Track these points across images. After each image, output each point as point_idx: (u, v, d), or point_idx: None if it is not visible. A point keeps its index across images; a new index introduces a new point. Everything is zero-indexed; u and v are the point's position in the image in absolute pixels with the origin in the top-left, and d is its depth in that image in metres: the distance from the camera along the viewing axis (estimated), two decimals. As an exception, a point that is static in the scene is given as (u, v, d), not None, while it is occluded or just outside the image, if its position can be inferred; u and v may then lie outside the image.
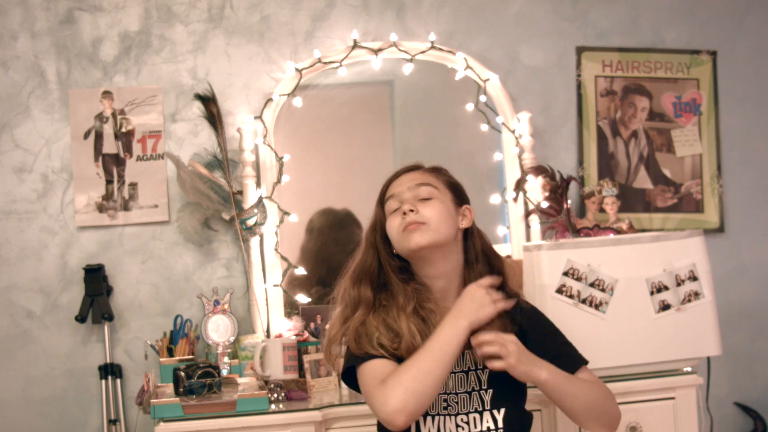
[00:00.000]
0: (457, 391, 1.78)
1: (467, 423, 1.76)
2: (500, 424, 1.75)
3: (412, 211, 1.78)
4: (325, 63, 2.85)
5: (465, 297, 1.75)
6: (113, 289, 2.79)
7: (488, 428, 1.75)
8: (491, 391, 1.77)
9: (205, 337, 2.65)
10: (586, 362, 1.87)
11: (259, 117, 2.81)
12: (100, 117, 2.82)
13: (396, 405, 1.62)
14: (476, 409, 1.76)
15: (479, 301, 1.73)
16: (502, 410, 1.76)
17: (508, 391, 1.77)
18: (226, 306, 2.69)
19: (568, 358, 1.83)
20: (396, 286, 1.81)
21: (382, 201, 1.88)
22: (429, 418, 1.76)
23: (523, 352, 1.72)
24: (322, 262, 2.82)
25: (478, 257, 1.86)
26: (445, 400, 1.77)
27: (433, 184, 1.84)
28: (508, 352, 1.69)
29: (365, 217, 2.80)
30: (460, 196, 1.88)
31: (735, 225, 3.19)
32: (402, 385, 1.64)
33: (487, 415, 1.76)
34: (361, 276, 1.83)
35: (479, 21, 3.04)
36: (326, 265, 2.81)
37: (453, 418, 1.76)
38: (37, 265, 2.77)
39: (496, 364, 1.70)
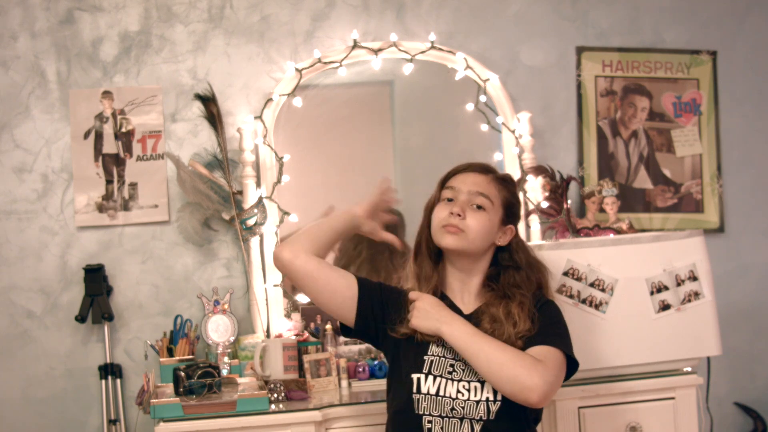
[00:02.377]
0: (466, 362, 1.80)
1: (468, 390, 1.79)
2: (500, 397, 1.77)
3: (459, 215, 1.85)
4: (325, 63, 2.85)
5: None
6: (113, 289, 2.79)
7: (487, 398, 1.77)
8: None
9: (205, 337, 2.65)
10: (554, 346, 1.78)
11: (259, 117, 2.81)
12: (100, 117, 2.82)
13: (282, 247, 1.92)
14: (479, 379, 1.79)
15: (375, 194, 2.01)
16: None
17: None
18: (226, 306, 2.69)
19: (535, 336, 1.80)
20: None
21: (443, 183, 1.94)
22: (431, 378, 1.80)
23: (430, 311, 1.82)
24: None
25: (520, 267, 1.92)
26: (452, 365, 1.81)
27: (491, 197, 1.89)
28: (413, 311, 1.84)
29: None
30: (510, 216, 1.94)
31: (735, 225, 3.19)
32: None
33: (488, 386, 1.78)
34: (421, 249, 1.96)
35: (479, 21, 3.04)
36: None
37: (455, 383, 1.80)
38: (37, 265, 2.77)
39: (411, 322, 1.85)
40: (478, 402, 1.77)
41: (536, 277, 1.94)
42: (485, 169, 1.94)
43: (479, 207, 1.87)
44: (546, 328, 1.83)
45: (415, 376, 1.81)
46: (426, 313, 1.83)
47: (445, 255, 1.93)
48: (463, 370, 1.80)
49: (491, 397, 1.77)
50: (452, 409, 1.78)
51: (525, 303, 1.86)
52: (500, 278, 1.92)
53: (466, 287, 1.92)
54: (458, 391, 1.79)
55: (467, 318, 1.87)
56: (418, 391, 1.80)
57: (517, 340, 1.79)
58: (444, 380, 1.80)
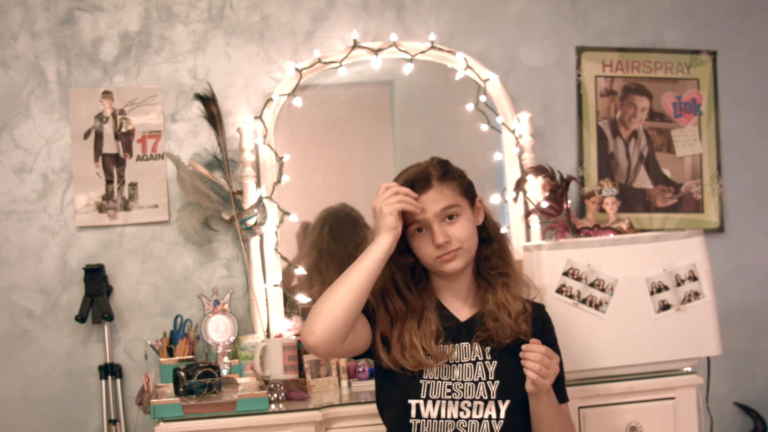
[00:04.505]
0: (464, 380, 1.79)
1: (470, 408, 1.77)
2: (502, 415, 1.77)
3: (447, 242, 1.79)
4: (325, 63, 2.85)
5: (375, 217, 1.76)
6: (113, 289, 2.79)
7: (489, 416, 1.77)
8: (498, 382, 1.79)
9: (205, 337, 2.65)
10: (567, 399, 1.91)
11: (259, 117, 2.81)
12: (100, 117, 2.82)
13: (308, 329, 1.72)
14: (481, 397, 1.78)
15: (381, 209, 1.75)
16: (507, 402, 1.78)
17: (514, 383, 1.79)
18: (226, 306, 2.69)
19: (561, 387, 1.88)
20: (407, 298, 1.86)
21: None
22: (430, 403, 1.78)
23: (552, 378, 1.75)
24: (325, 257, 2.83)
25: (494, 238, 1.91)
26: (450, 387, 1.79)
27: (453, 201, 1.82)
28: (548, 373, 1.73)
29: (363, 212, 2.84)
30: (471, 195, 1.88)
31: (735, 225, 3.19)
32: (315, 310, 1.73)
33: (491, 404, 1.77)
34: (387, 292, 1.85)
35: (479, 21, 3.04)
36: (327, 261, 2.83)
37: (456, 403, 1.78)
38: (37, 265, 2.77)
39: (529, 384, 1.75)
40: (480, 420, 1.77)
41: (504, 246, 1.91)
42: (426, 179, 1.82)
43: (452, 217, 1.81)
44: (562, 376, 1.86)
45: (413, 402, 1.78)
46: (546, 383, 1.75)
47: (436, 275, 1.88)
48: (462, 390, 1.79)
49: (494, 415, 1.77)
50: (455, 431, 1.77)
51: (508, 282, 1.86)
52: (480, 262, 1.89)
53: (457, 290, 1.89)
54: (460, 410, 1.77)
55: (467, 325, 1.85)
56: (418, 416, 1.78)
57: (520, 324, 1.81)
58: (444, 402, 1.78)
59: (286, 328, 2.68)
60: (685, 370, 2.40)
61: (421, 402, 1.78)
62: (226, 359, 2.60)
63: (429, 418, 1.77)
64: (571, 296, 2.29)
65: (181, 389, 2.25)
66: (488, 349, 1.82)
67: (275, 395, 2.36)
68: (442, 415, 1.77)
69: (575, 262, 2.30)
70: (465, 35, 3.02)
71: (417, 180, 1.82)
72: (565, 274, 2.30)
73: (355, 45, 2.88)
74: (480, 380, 1.79)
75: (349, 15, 2.96)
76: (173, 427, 2.21)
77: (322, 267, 2.81)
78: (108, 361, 2.73)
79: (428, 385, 1.79)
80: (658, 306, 2.33)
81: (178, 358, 2.61)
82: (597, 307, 2.30)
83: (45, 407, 2.75)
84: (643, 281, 2.33)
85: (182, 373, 2.26)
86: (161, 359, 2.61)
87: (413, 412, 1.78)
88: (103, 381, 2.72)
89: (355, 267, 1.74)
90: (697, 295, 2.35)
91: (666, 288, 2.33)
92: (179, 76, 2.86)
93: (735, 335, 3.07)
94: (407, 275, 1.86)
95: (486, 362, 1.81)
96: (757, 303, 3.20)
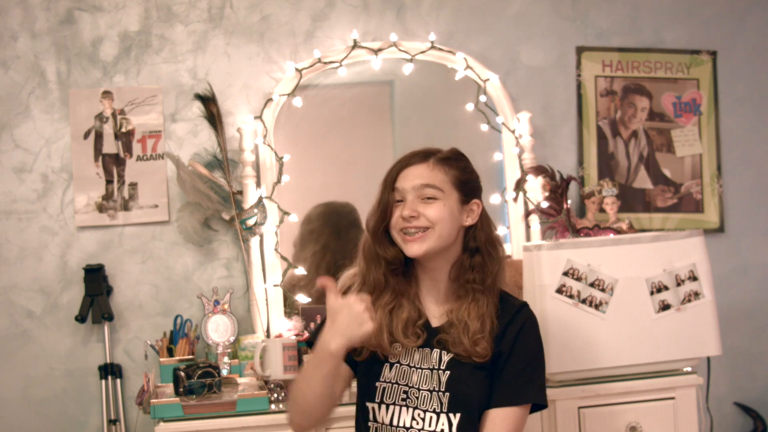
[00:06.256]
0: (420, 387, 1.74)
1: (423, 419, 1.73)
2: (454, 429, 1.71)
3: (413, 216, 1.74)
4: (325, 63, 2.85)
5: (344, 311, 1.65)
6: (113, 289, 2.79)
7: (442, 430, 1.72)
8: (448, 394, 1.73)
9: (205, 337, 2.65)
10: (531, 402, 1.76)
11: (259, 117, 2.81)
12: (100, 117, 2.82)
13: (289, 418, 1.82)
14: (434, 409, 1.73)
15: (358, 318, 1.64)
16: (458, 415, 1.72)
17: (465, 397, 1.73)
18: (226, 306, 2.69)
19: (511, 388, 1.74)
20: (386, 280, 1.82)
21: (392, 185, 1.79)
22: (384, 407, 1.74)
23: None
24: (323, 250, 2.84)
25: (480, 250, 1.80)
26: (406, 392, 1.74)
27: (438, 185, 1.76)
28: None
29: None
30: (467, 193, 1.81)
31: (735, 225, 3.19)
32: (290, 400, 1.83)
33: (443, 417, 1.72)
34: (372, 257, 1.82)
35: (479, 21, 3.04)
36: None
37: (410, 410, 1.73)
38: (37, 265, 2.77)
39: None
40: None
41: (492, 262, 1.80)
42: (425, 156, 1.79)
43: (430, 198, 1.75)
44: (518, 372, 1.75)
45: (369, 405, 1.76)
46: None
47: (414, 262, 1.81)
48: (417, 398, 1.74)
49: (446, 429, 1.72)
50: None
51: (478, 299, 1.76)
52: (461, 272, 1.80)
53: (435, 289, 1.82)
54: (413, 419, 1.73)
55: (436, 331, 1.78)
56: (374, 419, 1.75)
57: (476, 346, 1.72)
58: (398, 408, 1.74)
59: (286, 328, 2.68)
60: (685, 370, 2.40)
61: (376, 405, 1.75)
62: (226, 359, 2.60)
63: (383, 423, 1.74)
64: (571, 296, 2.29)
65: (181, 389, 2.25)
66: (447, 357, 1.75)
67: (275, 395, 2.36)
68: (395, 422, 1.73)
69: (575, 262, 2.30)
70: (465, 35, 3.02)
71: (419, 152, 1.81)
72: (565, 274, 2.30)
73: (355, 45, 2.88)
74: (434, 390, 1.73)
75: (349, 15, 2.96)
76: (173, 427, 2.21)
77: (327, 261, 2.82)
78: (108, 361, 2.73)
79: (384, 389, 1.75)
80: (658, 306, 2.33)
81: (178, 358, 2.61)
82: (597, 307, 2.30)
83: (45, 407, 2.75)
84: (643, 281, 2.33)
85: (182, 373, 2.26)
86: (161, 359, 2.61)
87: (370, 415, 1.76)
88: (103, 381, 2.71)
89: (315, 363, 1.70)
90: (697, 295, 2.35)
91: (666, 288, 2.33)
92: (179, 76, 2.86)
93: (735, 335, 3.07)
94: (397, 261, 1.80)
95: (440, 371, 1.74)
96: (757, 303, 3.20)
